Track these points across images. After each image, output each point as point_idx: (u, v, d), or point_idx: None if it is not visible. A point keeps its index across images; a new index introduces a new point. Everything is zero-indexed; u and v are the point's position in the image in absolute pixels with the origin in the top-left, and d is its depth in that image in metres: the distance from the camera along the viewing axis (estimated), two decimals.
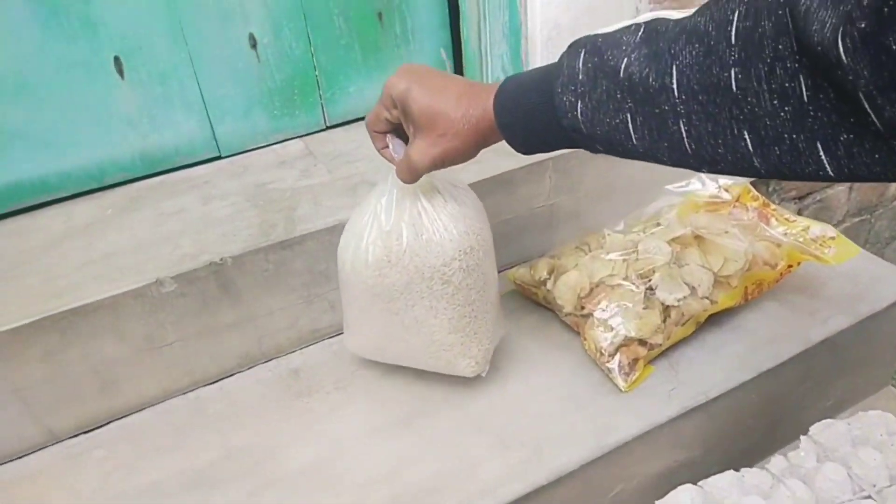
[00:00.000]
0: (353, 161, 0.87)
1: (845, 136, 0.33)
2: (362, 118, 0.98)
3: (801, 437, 0.74)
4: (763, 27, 0.34)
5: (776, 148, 0.35)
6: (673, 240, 0.74)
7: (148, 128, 0.84)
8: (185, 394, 0.72)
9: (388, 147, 0.57)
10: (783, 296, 0.80)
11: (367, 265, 0.61)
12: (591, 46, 0.43)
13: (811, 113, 0.33)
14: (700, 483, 0.71)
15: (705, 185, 0.81)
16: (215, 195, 0.80)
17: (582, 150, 0.47)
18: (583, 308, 0.72)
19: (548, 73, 0.46)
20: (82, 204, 0.82)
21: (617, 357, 0.69)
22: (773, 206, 0.81)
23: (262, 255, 0.71)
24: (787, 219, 0.79)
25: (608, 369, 0.69)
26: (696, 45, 0.37)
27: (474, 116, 0.49)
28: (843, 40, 0.29)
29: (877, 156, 0.33)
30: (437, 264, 0.61)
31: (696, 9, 0.38)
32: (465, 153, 0.52)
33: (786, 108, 0.34)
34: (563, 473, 0.61)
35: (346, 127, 0.97)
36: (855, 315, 0.77)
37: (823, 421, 0.76)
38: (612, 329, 0.69)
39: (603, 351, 0.69)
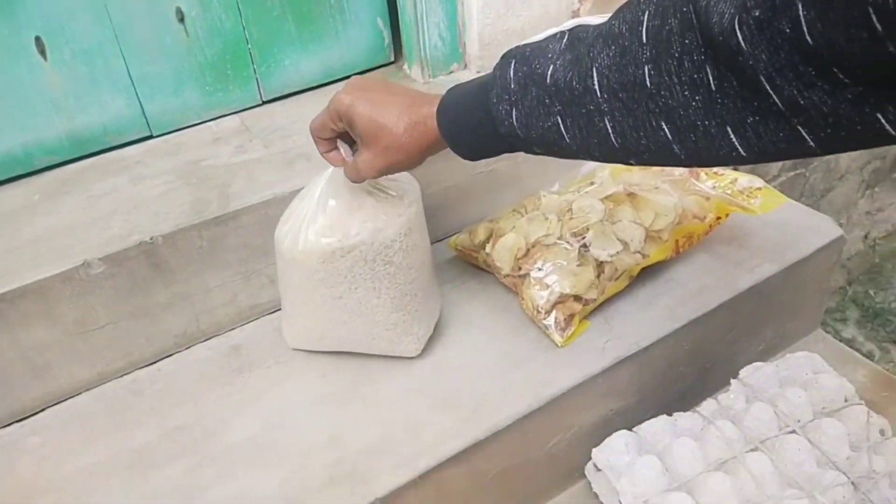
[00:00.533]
0: (291, 135, 0.85)
1: (751, 119, 0.35)
2: (299, 92, 0.96)
3: (732, 381, 0.77)
4: (670, 24, 0.36)
5: (692, 135, 0.38)
6: (606, 198, 0.75)
7: (75, 109, 0.81)
8: (121, 377, 0.70)
9: (331, 151, 0.59)
10: (713, 247, 0.81)
11: (310, 253, 0.61)
12: (520, 56, 0.46)
13: (719, 100, 0.35)
14: (635, 429, 0.72)
15: None
16: (147, 175, 0.77)
17: None
18: (520, 269, 0.72)
19: (484, 84, 0.48)
20: (10, 190, 0.78)
21: (553, 314, 0.69)
22: None
23: (196, 233, 0.69)
24: (715, 172, 0.80)
25: (545, 326, 0.70)
26: (613, 47, 0.39)
27: (417, 130, 0.51)
28: (740, 28, 0.32)
29: (781, 134, 0.35)
30: (380, 247, 0.61)
31: (614, 13, 0.41)
32: (409, 163, 0.54)
33: (696, 98, 0.36)
34: (501, 427, 0.62)
35: (284, 101, 0.94)
36: (782, 262, 0.79)
37: (753, 364, 0.78)
38: (548, 287, 0.70)
39: (540, 309, 0.69)
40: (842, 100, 0.31)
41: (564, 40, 0.44)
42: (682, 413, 0.74)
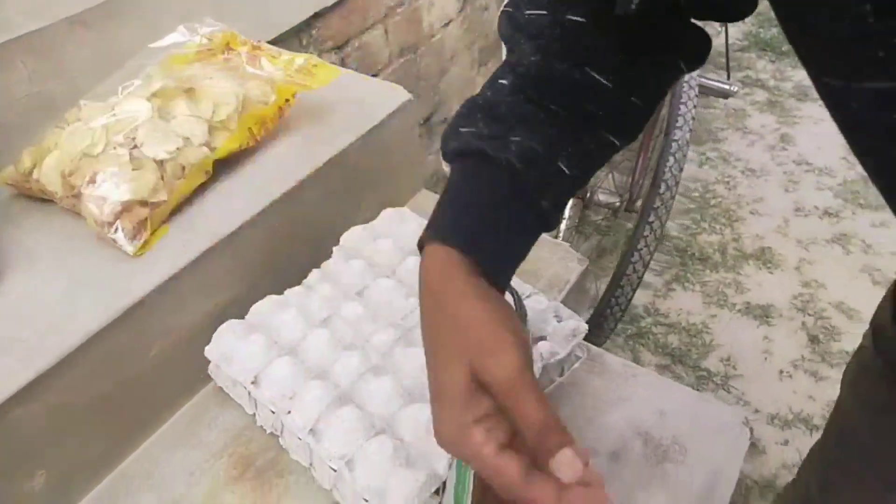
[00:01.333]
0: None
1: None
2: None
3: (334, 248, 0.83)
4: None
5: None
6: (153, 95, 0.72)
7: None
8: None
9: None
10: (298, 129, 0.84)
11: None
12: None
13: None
14: (247, 316, 0.75)
15: (188, 37, 0.80)
16: None
17: None
18: (73, 188, 0.67)
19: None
20: None
21: (118, 225, 0.66)
22: (264, 48, 0.84)
23: None
24: (274, 56, 0.82)
25: (113, 240, 0.66)
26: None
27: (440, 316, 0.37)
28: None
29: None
30: None
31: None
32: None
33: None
34: (71, 351, 0.59)
35: None
36: (358, 131, 0.85)
37: (351, 229, 0.85)
38: (104, 199, 0.66)
39: (102, 223, 0.66)
40: None
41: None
42: (292, 288, 0.79)
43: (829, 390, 1.45)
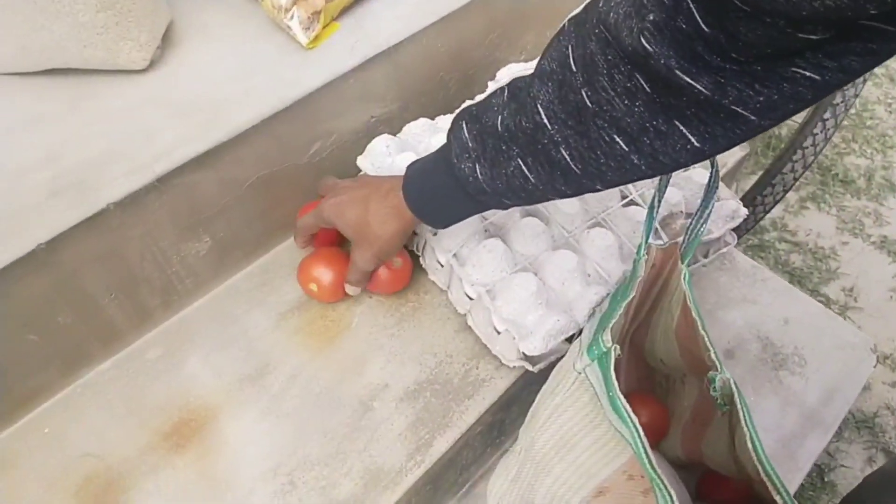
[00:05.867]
0: None
1: (690, 111, 0.39)
2: None
3: (489, 83, 0.83)
4: (590, 48, 0.41)
5: (645, 138, 0.42)
6: None
7: None
8: None
9: (307, 246, 0.71)
10: None
11: None
12: (468, 116, 0.52)
13: (657, 99, 0.40)
14: (398, 135, 0.78)
15: None
16: None
17: None
18: None
19: (441, 152, 0.55)
20: None
21: (294, 12, 0.68)
22: None
23: None
24: None
25: (288, 27, 0.69)
26: (549, 83, 0.44)
27: (392, 218, 0.61)
28: (643, 35, 0.37)
29: (721, 115, 0.39)
30: None
31: (541, 55, 0.46)
32: (395, 244, 0.64)
33: (637, 103, 0.41)
34: (245, 129, 0.63)
35: None
36: None
37: (507, 65, 0.85)
38: None
39: (279, 7, 0.68)
40: (757, 69, 0.36)
41: (505, 93, 0.49)
42: (444, 116, 0.80)
43: None
